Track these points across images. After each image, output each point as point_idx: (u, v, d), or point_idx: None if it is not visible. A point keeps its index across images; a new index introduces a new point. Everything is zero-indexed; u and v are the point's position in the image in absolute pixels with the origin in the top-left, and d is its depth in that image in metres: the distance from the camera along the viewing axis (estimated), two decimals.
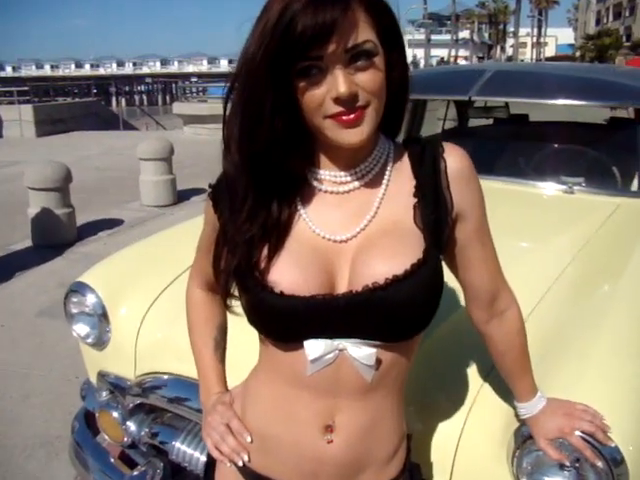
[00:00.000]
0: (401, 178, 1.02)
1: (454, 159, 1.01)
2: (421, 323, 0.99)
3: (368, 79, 0.89)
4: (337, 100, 0.88)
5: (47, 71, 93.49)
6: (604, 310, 1.64)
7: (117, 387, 1.90)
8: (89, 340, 1.96)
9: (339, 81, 0.86)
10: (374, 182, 1.00)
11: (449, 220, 1.01)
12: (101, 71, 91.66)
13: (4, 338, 3.73)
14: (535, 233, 2.15)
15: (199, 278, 1.20)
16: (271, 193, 0.96)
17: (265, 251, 0.96)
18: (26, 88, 18.37)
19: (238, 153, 0.94)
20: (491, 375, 1.34)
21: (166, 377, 1.74)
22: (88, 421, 2.07)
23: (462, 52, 62.97)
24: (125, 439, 1.87)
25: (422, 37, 66.48)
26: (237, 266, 0.97)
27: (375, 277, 0.93)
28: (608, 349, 1.43)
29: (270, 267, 0.95)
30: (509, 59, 55.78)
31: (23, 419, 2.88)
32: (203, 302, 1.21)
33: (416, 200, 1.00)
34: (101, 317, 1.92)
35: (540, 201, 2.46)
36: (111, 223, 6.13)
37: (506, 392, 1.25)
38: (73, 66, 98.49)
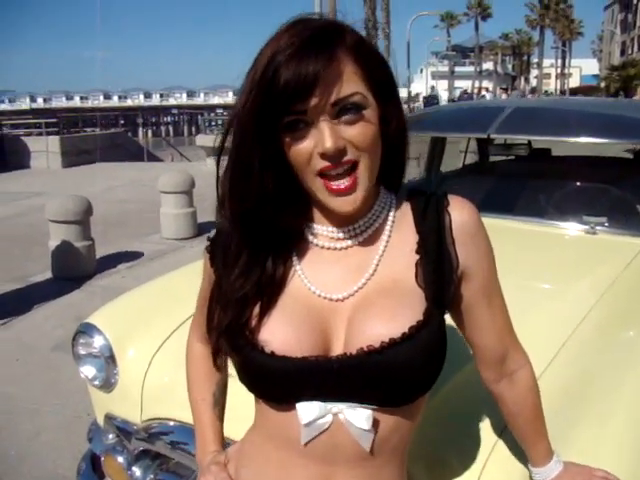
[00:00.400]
0: (403, 233, 0.97)
1: (459, 213, 0.96)
2: (421, 386, 0.93)
3: (357, 133, 0.85)
4: (324, 155, 0.84)
5: (77, 102, 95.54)
6: (629, 361, 1.56)
7: (123, 431, 1.86)
8: (96, 382, 1.93)
9: (325, 136, 0.83)
10: (374, 238, 0.96)
11: (454, 278, 0.96)
12: (129, 102, 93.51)
13: (18, 372, 3.72)
14: (556, 276, 2.08)
15: (199, 331, 1.16)
16: (265, 249, 0.93)
17: (257, 308, 0.92)
18: (54, 120, 18.77)
19: (230, 209, 0.91)
20: (505, 432, 1.27)
21: (172, 424, 1.70)
22: (94, 464, 2.03)
23: (486, 83, 63.12)
24: None
25: (446, 69, 66.99)
26: (228, 325, 0.93)
27: (371, 339, 0.88)
28: (632, 411, 1.35)
29: (261, 325, 0.91)
30: (533, 90, 55.74)
31: (32, 457, 2.84)
32: (203, 356, 1.16)
33: (418, 257, 0.95)
34: (108, 359, 1.89)
35: (561, 242, 2.39)
36: (131, 256, 6.14)
37: (521, 451, 1.18)
38: (102, 97, 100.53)
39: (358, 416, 0.89)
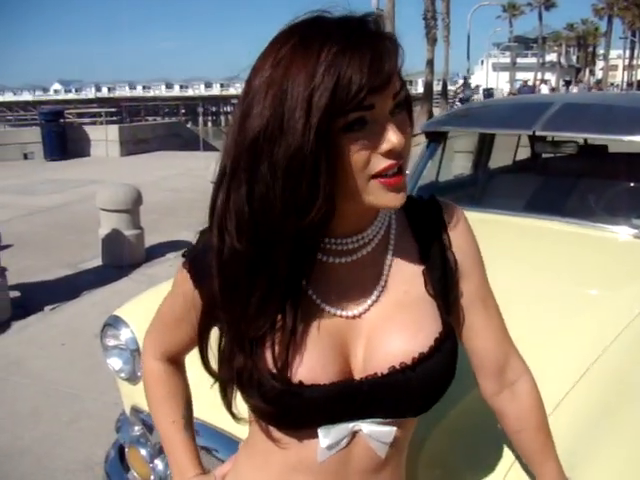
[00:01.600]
0: (404, 242, 0.93)
1: (451, 216, 0.95)
2: (445, 392, 0.91)
3: (407, 130, 0.81)
4: (390, 153, 0.77)
5: (139, 92, 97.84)
6: None
7: (147, 424, 1.87)
8: (122, 375, 1.94)
9: (392, 131, 0.77)
10: (379, 249, 0.91)
11: (455, 280, 0.94)
12: (190, 92, 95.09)
13: (63, 357, 3.82)
14: (601, 281, 1.98)
15: (158, 349, 1.09)
16: (280, 275, 0.81)
17: (276, 340, 0.84)
18: (113, 109, 19.21)
19: (246, 241, 0.79)
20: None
21: (194, 421, 1.69)
22: (122, 454, 2.06)
23: (548, 75, 61.46)
24: (152, 477, 1.83)
25: (507, 60, 65.53)
26: (244, 365, 0.85)
27: (399, 357, 0.85)
28: None
29: (283, 356, 0.84)
30: (598, 82, 53.92)
31: (68, 442, 2.91)
32: (166, 376, 1.10)
33: (424, 266, 0.92)
34: (134, 352, 1.90)
35: (610, 246, 2.27)
36: (179, 245, 6.20)
37: None
38: (163, 87, 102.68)
39: (381, 431, 0.88)
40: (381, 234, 0.91)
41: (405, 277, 0.91)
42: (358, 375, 0.87)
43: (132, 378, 1.92)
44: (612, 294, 1.89)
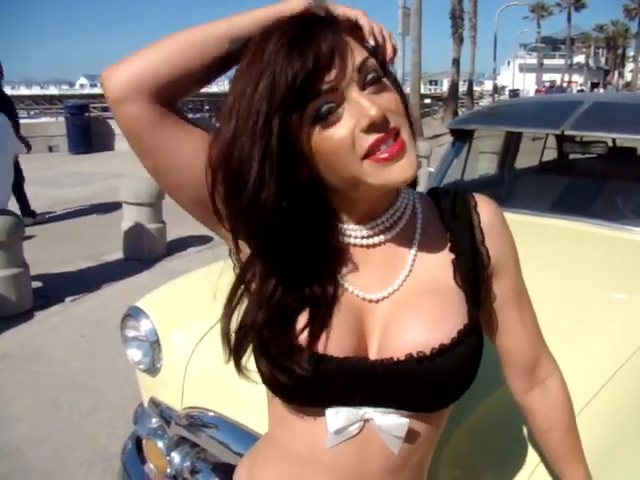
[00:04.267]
0: (432, 232, 0.91)
1: (487, 212, 0.92)
2: (464, 390, 0.87)
3: (389, 99, 0.78)
4: (371, 127, 0.75)
5: None
6: None
7: (165, 416, 1.87)
8: (142, 366, 1.94)
9: (366, 105, 0.74)
10: (404, 236, 0.89)
11: (485, 276, 0.91)
12: (214, 88, 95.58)
13: (83, 349, 3.84)
14: (628, 285, 1.94)
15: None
16: (301, 260, 0.82)
17: (295, 312, 0.84)
18: None
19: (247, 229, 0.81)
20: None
21: (211, 414, 1.68)
22: (139, 446, 2.06)
23: (576, 77, 60.76)
24: (169, 470, 1.83)
25: (534, 61, 64.91)
26: (263, 324, 0.83)
27: (417, 345, 0.82)
28: None
29: (300, 325, 0.83)
30: (627, 85, 53.17)
31: (86, 432, 2.92)
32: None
33: (454, 256, 0.89)
34: (154, 344, 1.90)
35: (635, 248, 2.22)
36: (201, 240, 6.21)
37: None
38: None
39: (392, 422, 0.83)
40: (403, 222, 0.89)
41: (432, 266, 0.89)
42: (373, 358, 0.85)
43: (151, 370, 1.92)
44: (634, 299, 1.84)
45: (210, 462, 1.74)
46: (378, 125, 0.75)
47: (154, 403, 1.93)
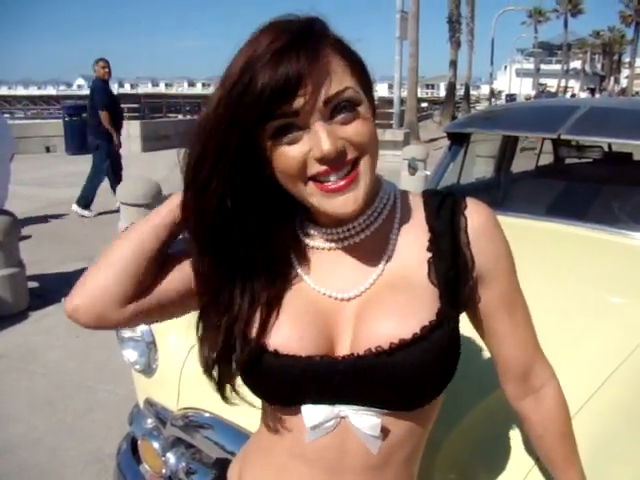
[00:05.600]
0: (412, 230, 0.91)
1: (477, 216, 0.91)
2: (431, 390, 0.87)
3: (355, 131, 0.79)
4: (322, 160, 0.77)
5: (162, 89, 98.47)
6: None
7: (160, 417, 1.86)
8: (137, 366, 1.94)
9: (321, 138, 0.76)
10: (379, 235, 0.90)
11: (469, 278, 0.90)
12: (212, 90, 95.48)
13: (77, 349, 3.84)
14: (624, 289, 1.95)
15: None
16: (258, 264, 0.87)
17: (258, 311, 0.87)
18: (136, 105, 19.33)
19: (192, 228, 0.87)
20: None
21: (207, 415, 1.68)
22: (134, 446, 2.05)
23: (572, 83, 60.95)
24: (164, 471, 1.83)
25: (531, 66, 65.09)
26: (227, 327, 0.88)
27: (379, 340, 0.82)
28: None
29: (264, 325, 0.86)
30: (623, 91, 53.33)
31: (81, 433, 2.92)
32: None
33: (430, 255, 0.88)
34: (150, 344, 1.90)
35: (631, 253, 2.23)
36: None
37: None
38: (186, 84, 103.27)
39: (364, 421, 0.84)
40: (379, 222, 0.90)
41: (407, 263, 0.89)
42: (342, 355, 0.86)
43: (147, 370, 1.92)
44: (635, 301, 1.85)
45: (206, 463, 1.74)
46: (330, 160, 0.77)
47: (150, 403, 1.93)
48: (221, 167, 0.80)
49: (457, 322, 0.89)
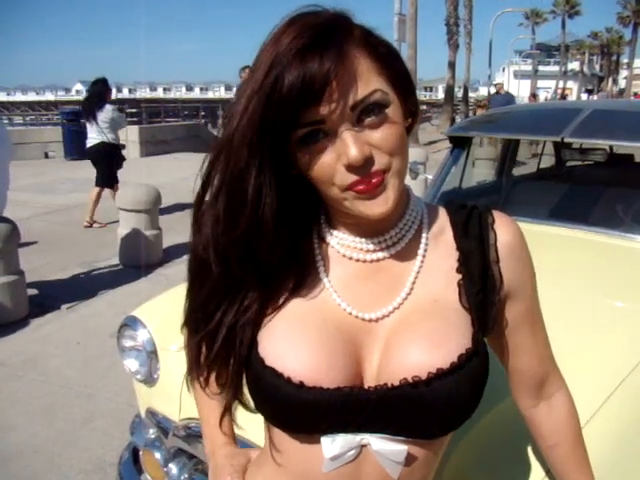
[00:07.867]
0: (441, 249, 0.88)
1: (506, 231, 0.88)
2: (464, 418, 0.83)
3: (383, 137, 0.75)
4: (350, 167, 0.74)
5: (160, 93, 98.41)
6: None
7: (162, 427, 1.84)
8: (139, 376, 1.92)
9: (348, 144, 0.73)
10: (407, 252, 0.86)
11: (496, 300, 0.87)
12: (210, 94, 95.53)
13: (77, 356, 3.82)
14: (629, 293, 1.92)
15: None
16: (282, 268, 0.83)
17: (280, 327, 0.83)
18: (134, 110, 19.33)
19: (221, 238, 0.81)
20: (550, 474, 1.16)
21: None
22: (135, 456, 2.03)
23: (570, 84, 61.00)
24: None
25: (529, 68, 65.09)
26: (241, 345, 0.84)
27: (414, 369, 0.78)
28: None
29: (286, 350, 0.80)
30: (621, 92, 53.39)
31: (81, 442, 2.89)
32: None
33: (461, 276, 0.85)
34: (151, 354, 1.88)
35: (635, 256, 2.21)
36: None
37: None
38: (184, 89, 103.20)
39: (388, 447, 0.80)
40: (408, 237, 0.87)
41: (436, 286, 0.86)
42: (370, 383, 0.81)
43: (148, 380, 1.90)
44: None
45: (208, 474, 1.72)
46: (358, 167, 0.75)
47: (151, 413, 1.90)
48: (266, 174, 0.77)
49: (486, 346, 0.86)
